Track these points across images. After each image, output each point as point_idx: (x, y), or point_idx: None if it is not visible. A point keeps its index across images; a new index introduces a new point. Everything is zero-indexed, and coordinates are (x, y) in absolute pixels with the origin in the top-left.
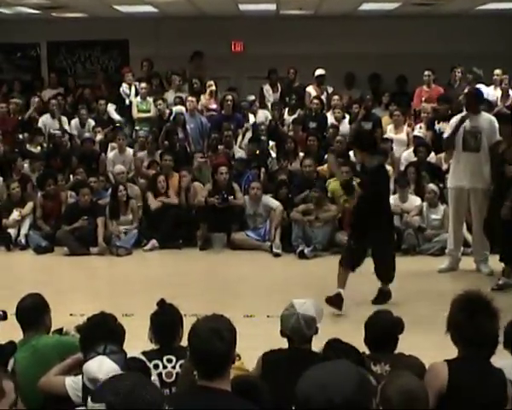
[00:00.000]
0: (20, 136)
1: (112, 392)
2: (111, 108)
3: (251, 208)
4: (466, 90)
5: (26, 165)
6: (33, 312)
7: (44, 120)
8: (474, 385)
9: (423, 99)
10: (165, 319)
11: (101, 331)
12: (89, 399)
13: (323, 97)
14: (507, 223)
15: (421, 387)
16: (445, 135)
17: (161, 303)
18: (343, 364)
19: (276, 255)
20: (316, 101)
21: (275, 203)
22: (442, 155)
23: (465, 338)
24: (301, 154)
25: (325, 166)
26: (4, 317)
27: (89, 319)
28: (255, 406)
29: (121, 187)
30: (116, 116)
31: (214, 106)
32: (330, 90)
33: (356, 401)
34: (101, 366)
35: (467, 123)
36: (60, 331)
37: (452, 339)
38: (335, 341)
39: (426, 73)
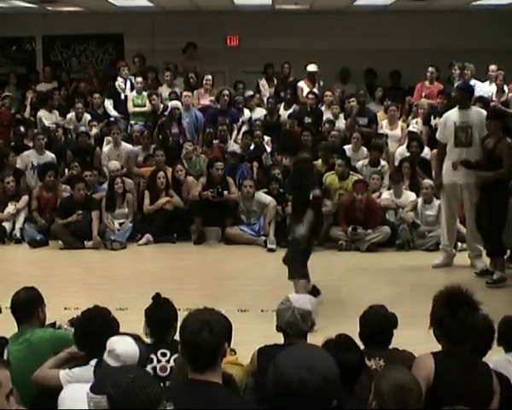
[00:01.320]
0: (22, 128)
1: (113, 385)
2: (108, 103)
3: (244, 205)
4: (456, 85)
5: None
6: (27, 305)
7: (40, 114)
8: (460, 378)
9: (423, 95)
10: (160, 314)
11: (96, 325)
12: (88, 390)
13: (316, 90)
14: (493, 217)
15: (414, 381)
16: (438, 134)
17: (156, 298)
18: (308, 346)
19: (271, 251)
20: (311, 96)
21: (268, 199)
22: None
23: (448, 334)
24: None
25: (320, 160)
26: None
27: (83, 313)
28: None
29: (118, 179)
30: (114, 113)
31: (208, 101)
32: (321, 83)
33: (337, 374)
34: (122, 341)
35: (457, 118)
36: (53, 326)
37: (435, 335)
38: (339, 336)
39: (430, 69)
